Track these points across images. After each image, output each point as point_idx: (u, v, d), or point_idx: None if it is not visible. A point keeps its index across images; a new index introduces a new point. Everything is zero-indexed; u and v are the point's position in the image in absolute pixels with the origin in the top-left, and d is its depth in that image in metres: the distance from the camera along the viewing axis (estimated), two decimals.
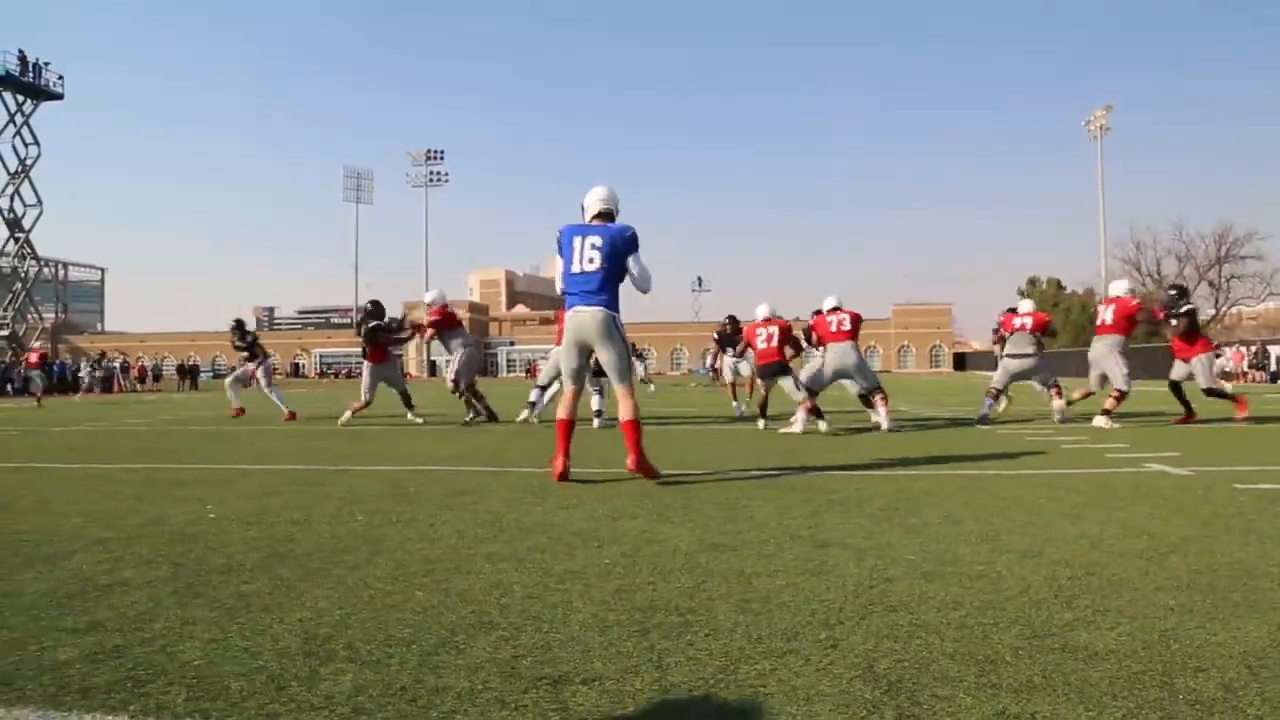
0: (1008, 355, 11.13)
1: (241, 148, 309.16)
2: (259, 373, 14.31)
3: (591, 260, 5.59)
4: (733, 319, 14.45)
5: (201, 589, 2.89)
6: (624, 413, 5.55)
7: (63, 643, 2.32)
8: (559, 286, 5.92)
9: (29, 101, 50.95)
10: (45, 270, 59.42)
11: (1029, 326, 11.12)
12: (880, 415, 9.89)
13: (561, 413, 5.72)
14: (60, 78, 52.11)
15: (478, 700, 1.89)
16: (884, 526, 3.88)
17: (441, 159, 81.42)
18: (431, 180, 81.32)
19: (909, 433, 9.45)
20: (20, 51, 49.52)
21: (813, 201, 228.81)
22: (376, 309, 12.27)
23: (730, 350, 13.99)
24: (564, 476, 5.49)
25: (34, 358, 30.41)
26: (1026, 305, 11.64)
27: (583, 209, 5.87)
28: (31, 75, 50.39)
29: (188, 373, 46.20)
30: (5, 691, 1.98)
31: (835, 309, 10.40)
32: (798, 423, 9.75)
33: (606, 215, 5.82)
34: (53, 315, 64.25)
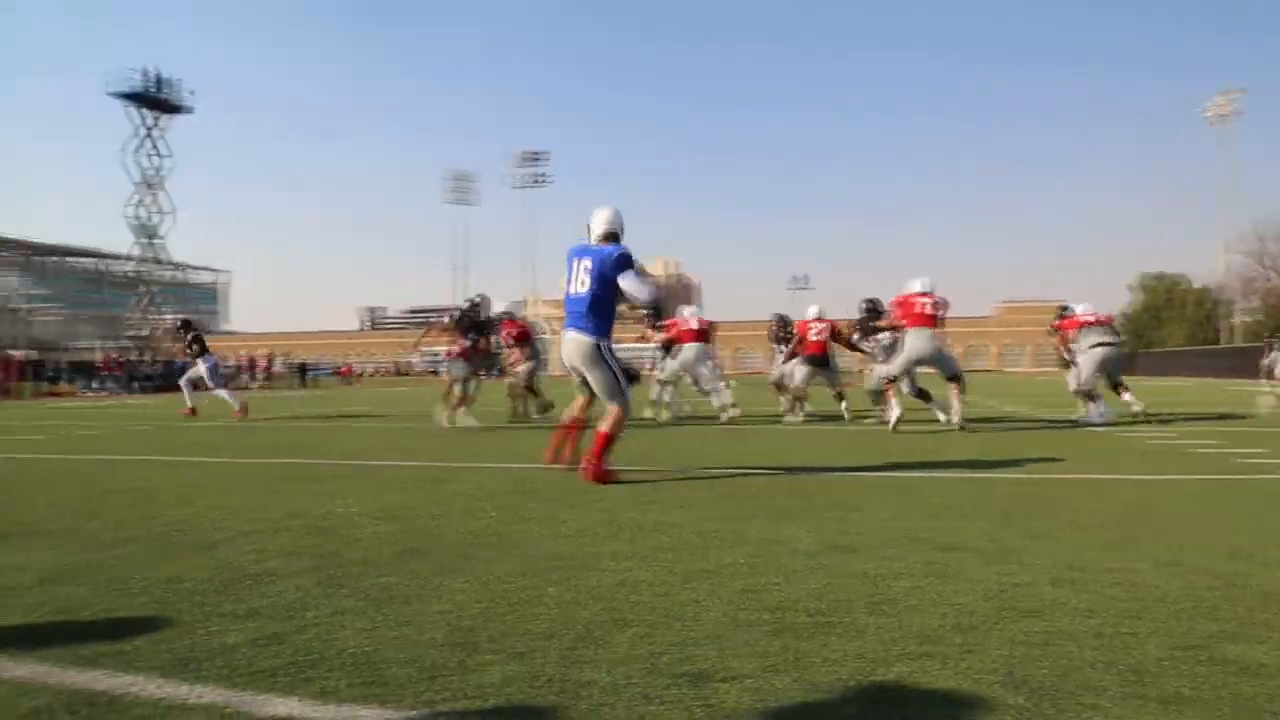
0: (1099, 344, 10.91)
1: (349, 149, 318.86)
2: (202, 369, 14.53)
3: (583, 283, 5.76)
4: (781, 317, 13.87)
5: (344, 580, 3.04)
6: (604, 423, 5.74)
7: (227, 628, 2.49)
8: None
9: (161, 116, 53.98)
10: (171, 274, 62.78)
11: (1102, 319, 11.14)
12: (953, 410, 9.70)
13: (568, 414, 6.40)
14: (191, 92, 55.11)
15: (623, 695, 1.96)
16: (1006, 531, 3.82)
17: (543, 160, 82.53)
18: (534, 181, 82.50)
19: (1023, 433, 9.20)
20: (147, 70, 52.48)
21: (916, 196, 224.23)
22: (474, 309, 12.05)
23: (782, 347, 13.34)
24: (552, 461, 6.30)
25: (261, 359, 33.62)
26: (1084, 306, 11.47)
27: (588, 229, 6.04)
28: (162, 91, 53.32)
29: (300, 370, 48.09)
30: (184, 671, 2.14)
31: (923, 293, 9.91)
32: (893, 408, 9.69)
33: (611, 237, 5.95)
34: (178, 316, 67.64)
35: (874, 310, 11.75)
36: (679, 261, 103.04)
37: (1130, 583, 2.92)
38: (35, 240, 69.44)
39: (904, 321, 9.95)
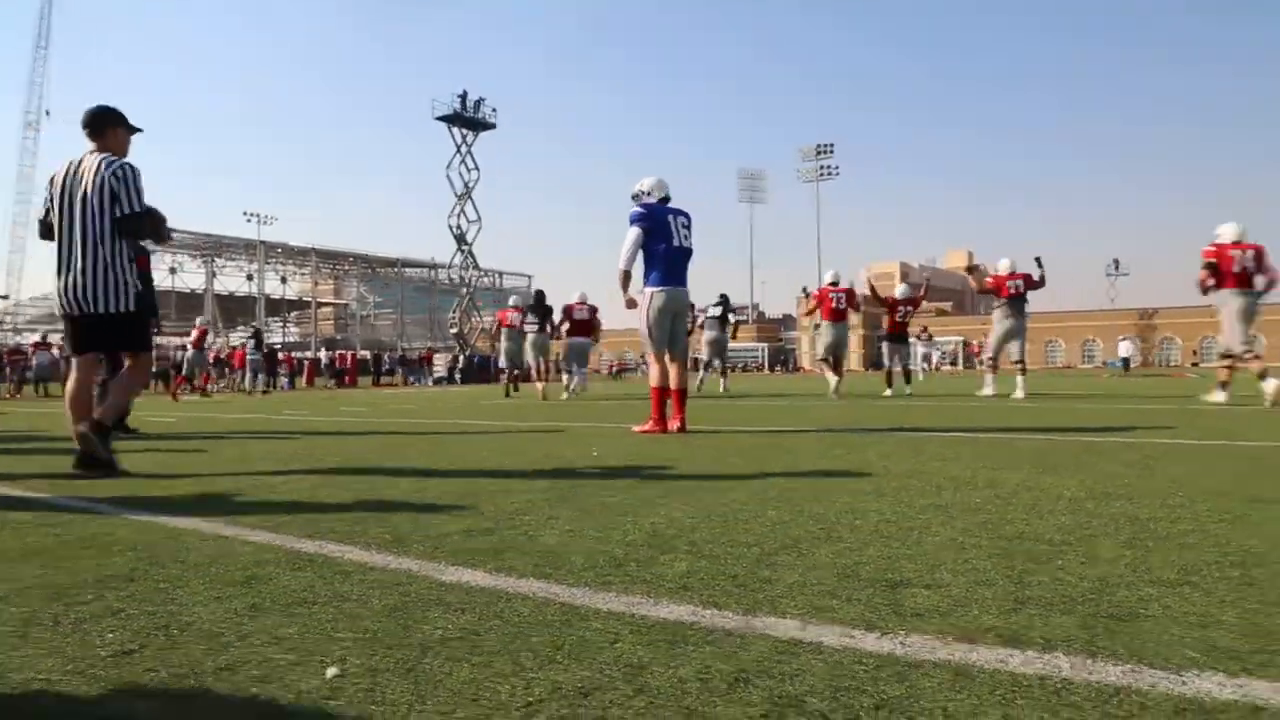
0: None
1: (641, 154, 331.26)
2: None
3: (686, 239, 6.33)
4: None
5: (571, 497, 3.13)
6: (679, 379, 6.40)
7: (448, 524, 2.63)
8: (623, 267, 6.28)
9: (470, 133, 58.85)
10: (485, 278, 68.27)
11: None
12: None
13: (663, 379, 6.43)
14: (494, 110, 59.55)
15: (807, 591, 1.82)
16: None
17: (831, 153, 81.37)
18: (822, 175, 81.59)
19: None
20: (464, 91, 57.27)
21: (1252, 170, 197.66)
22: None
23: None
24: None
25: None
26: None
27: (642, 193, 6.52)
28: (471, 111, 58.09)
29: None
30: (396, 548, 2.30)
31: (834, 284, 12.38)
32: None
33: (667, 200, 6.54)
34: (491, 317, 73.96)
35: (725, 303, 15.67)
36: (971, 253, 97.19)
37: None
38: (377, 254, 78.50)
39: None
